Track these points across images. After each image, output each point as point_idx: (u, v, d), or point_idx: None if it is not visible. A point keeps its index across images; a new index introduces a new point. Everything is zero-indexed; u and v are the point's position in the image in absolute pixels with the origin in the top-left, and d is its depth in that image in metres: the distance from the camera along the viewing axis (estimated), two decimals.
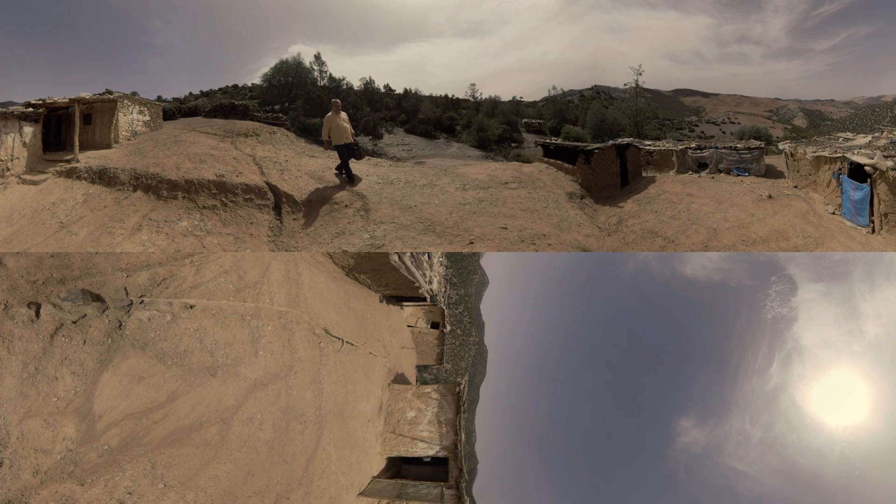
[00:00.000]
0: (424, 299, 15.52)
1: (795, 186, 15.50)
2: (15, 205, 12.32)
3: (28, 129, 14.09)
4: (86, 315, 4.38)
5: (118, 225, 11.92)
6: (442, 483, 12.23)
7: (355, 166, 14.71)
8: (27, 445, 3.80)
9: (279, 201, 13.04)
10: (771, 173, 17.74)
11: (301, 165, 15.67)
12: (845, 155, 12.27)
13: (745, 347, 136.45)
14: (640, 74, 47.09)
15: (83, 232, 11.52)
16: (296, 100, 25.87)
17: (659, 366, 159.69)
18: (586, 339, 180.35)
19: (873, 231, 11.14)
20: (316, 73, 28.86)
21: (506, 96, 55.49)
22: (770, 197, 14.23)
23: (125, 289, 4.92)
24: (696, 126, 72.99)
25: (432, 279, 15.72)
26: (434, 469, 13.84)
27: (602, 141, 23.02)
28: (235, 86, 44.77)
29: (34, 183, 13.35)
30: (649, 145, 21.33)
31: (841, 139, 15.68)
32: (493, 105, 44.47)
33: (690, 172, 18.96)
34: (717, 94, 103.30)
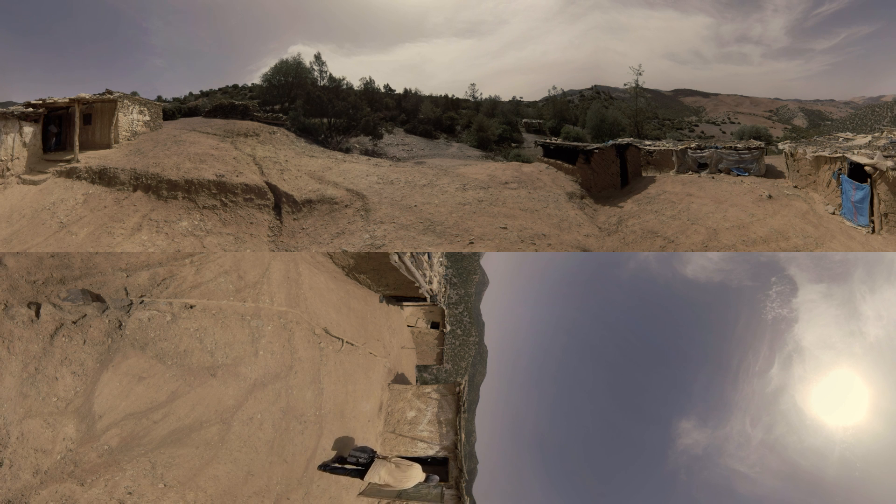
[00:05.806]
0: (424, 299, 15.49)
1: (795, 186, 15.49)
2: (15, 205, 12.32)
3: (28, 129, 14.09)
4: (86, 315, 4.38)
5: (118, 225, 11.93)
6: (442, 483, 12.23)
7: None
8: (27, 445, 3.80)
9: (279, 201, 13.04)
10: (771, 173, 17.74)
11: (301, 165, 15.67)
12: (845, 155, 12.27)
13: (746, 349, 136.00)
14: (640, 74, 47.01)
15: (83, 232, 11.52)
16: (296, 100, 25.88)
17: (659, 367, 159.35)
18: (586, 340, 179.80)
19: (873, 231, 11.13)
20: (316, 73, 28.88)
21: (506, 96, 55.50)
22: (770, 197, 14.23)
23: (125, 289, 4.92)
24: (696, 126, 72.88)
25: (432, 279, 15.70)
26: (434, 469, 13.82)
27: (602, 141, 23.00)
28: (235, 86, 44.78)
29: (34, 183, 13.36)
30: (649, 145, 21.32)
31: (841, 139, 15.68)
32: (493, 105, 44.50)
33: (690, 172, 18.95)
34: (717, 94, 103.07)
